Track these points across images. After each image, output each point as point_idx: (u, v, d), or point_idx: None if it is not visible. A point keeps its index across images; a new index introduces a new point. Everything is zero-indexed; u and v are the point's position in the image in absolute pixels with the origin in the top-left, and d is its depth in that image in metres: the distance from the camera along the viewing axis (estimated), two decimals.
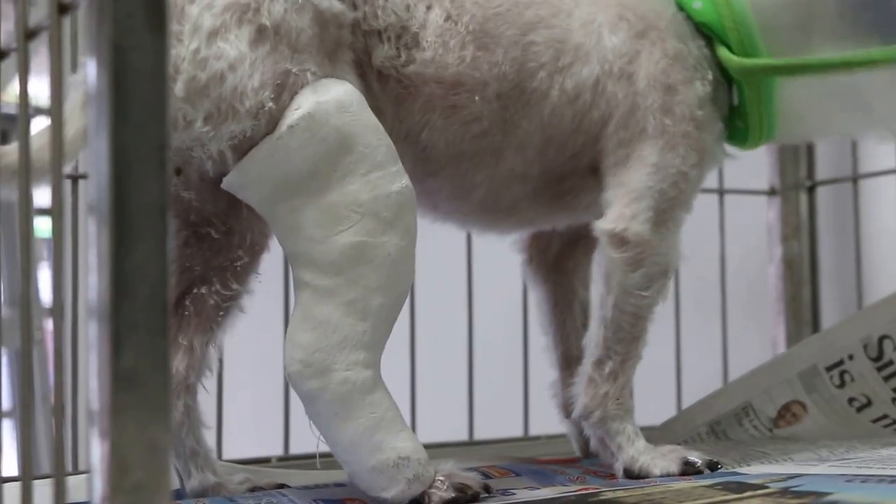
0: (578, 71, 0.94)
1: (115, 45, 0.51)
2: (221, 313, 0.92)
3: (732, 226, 1.46)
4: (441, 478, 0.84)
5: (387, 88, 0.90)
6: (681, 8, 0.99)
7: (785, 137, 1.06)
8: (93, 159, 0.51)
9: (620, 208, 0.95)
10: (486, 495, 0.86)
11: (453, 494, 0.83)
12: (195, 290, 0.91)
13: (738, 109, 1.00)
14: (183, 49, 0.83)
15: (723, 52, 0.97)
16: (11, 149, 0.79)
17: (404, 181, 0.85)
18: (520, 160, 0.96)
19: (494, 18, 0.93)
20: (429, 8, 0.92)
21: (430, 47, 0.91)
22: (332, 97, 0.84)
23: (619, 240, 0.95)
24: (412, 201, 0.85)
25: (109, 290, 0.49)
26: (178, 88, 0.82)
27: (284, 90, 0.84)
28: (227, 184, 0.84)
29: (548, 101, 0.94)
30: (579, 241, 1.11)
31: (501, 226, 1.06)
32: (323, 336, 0.82)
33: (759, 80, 0.97)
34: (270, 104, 0.83)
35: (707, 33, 0.98)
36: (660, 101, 0.95)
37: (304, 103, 0.83)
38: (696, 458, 0.95)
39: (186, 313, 0.91)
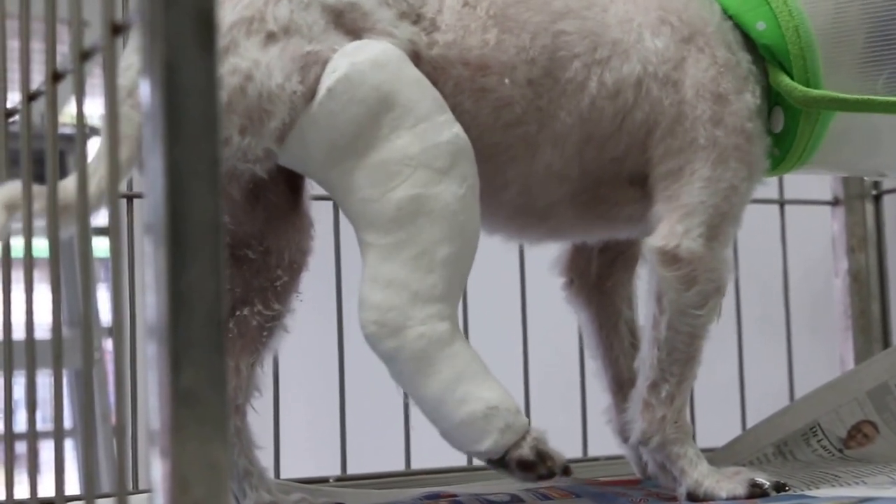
0: (618, 66, 0.92)
1: (167, 64, 0.51)
2: (265, 334, 0.92)
3: (794, 237, 1.42)
4: (534, 436, 0.82)
5: (420, 69, 0.88)
6: (729, 18, 0.96)
7: (816, 167, 1.03)
8: (148, 178, 0.51)
9: (672, 224, 0.92)
10: (563, 477, 0.84)
11: (532, 458, 0.82)
12: (238, 312, 0.91)
13: (778, 136, 0.97)
14: None
15: (784, 80, 0.94)
16: (66, 184, 0.79)
17: (455, 129, 0.85)
18: (558, 156, 0.93)
19: (517, 5, 0.91)
20: None
21: (451, 30, 0.90)
22: (367, 57, 0.84)
23: (671, 257, 0.91)
24: (466, 149, 0.85)
25: (167, 309, 0.50)
26: None
27: (310, 69, 0.84)
28: (282, 161, 0.85)
29: (586, 94, 0.91)
30: (618, 259, 1.08)
31: (533, 231, 1.03)
32: (394, 294, 0.82)
33: (820, 111, 0.95)
34: (300, 87, 0.83)
35: (764, 55, 0.95)
36: (710, 112, 0.92)
37: (339, 66, 0.84)
38: (763, 479, 0.92)
39: (230, 335, 0.91)
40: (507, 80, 0.90)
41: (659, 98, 0.92)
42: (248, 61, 0.83)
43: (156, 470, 0.49)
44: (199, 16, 0.51)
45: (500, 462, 0.82)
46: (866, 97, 0.94)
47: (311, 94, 0.84)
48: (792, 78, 0.94)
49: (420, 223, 0.82)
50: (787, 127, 0.96)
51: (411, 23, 0.89)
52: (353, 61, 0.84)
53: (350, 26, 0.87)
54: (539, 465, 0.82)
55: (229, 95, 0.83)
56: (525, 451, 0.82)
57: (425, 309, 0.82)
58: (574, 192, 0.96)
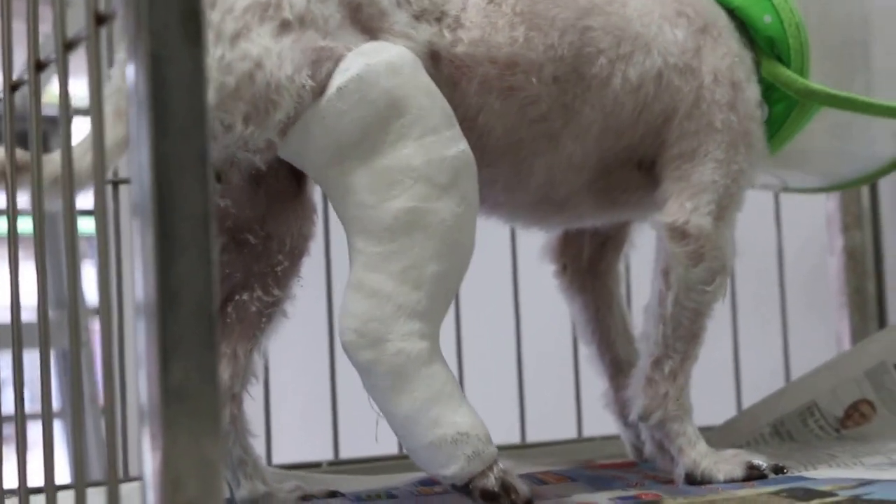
0: (641, 60, 0.92)
1: (152, 56, 0.50)
2: (264, 319, 0.90)
3: (789, 215, 1.42)
4: (501, 467, 0.81)
5: (440, 69, 0.87)
6: (730, 14, 0.98)
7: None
8: (135, 171, 0.51)
9: (682, 201, 0.93)
10: None
11: (496, 490, 0.81)
12: (237, 297, 0.89)
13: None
14: (209, 57, 0.81)
15: (785, 72, 0.97)
16: (54, 157, 0.77)
17: (461, 146, 0.83)
18: (579, 148, 0.93)
19: (544, 1, 0.91)
20: None
21: (477, 27, 0.89)
22: (382, 59, 0.82)
23: (681, 233, 0.92)
24: (470, 167, 0.83)
25: (156, 304, 0.49)
26: (210, 97, 0.80)
27: (322, 64, 0.82)
28: (282, 153, 0.83)
29: (610, 89, 0.92)
30: (608, 242, 1.09)
31: (552, 219, 1.03)
32: (377, 305, 0.80)
33: (812, 105, 0.98)
34: (310, 82, 0.81)
35: (766, 48, 0.98)
36: (727, 97, 0.94)
37: (353, 65, 0.82)
38: (761, 461, 0.92)
39: (229, 321, 0.89)
40: (534, 79, 0.89)
41: (678, 87, 0.94)
42: (259, 48, 0.81)
43: (147, 465, 0.48)
44: (185, 7, 0.50)
45: (464, 489, 0.81)
46: (867, 99, 0.99)
47: (321, 89, 0.81)
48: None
49: (414, 237, 0.81)
50: (778, 118, 0.99)
51: (433, 21, 0.88)
52: (368, 62, 0.81)
53: (366, 24, 0.85)
54: (503, 497, 0.81)
55: (237, 81, 0.80)
56: (490, 481, 0.80)
57: (407, 325, 0.80)
58: (590, 180, 0.96)
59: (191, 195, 0.50)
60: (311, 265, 0.93)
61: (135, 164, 0.50)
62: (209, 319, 0.50)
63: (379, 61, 0.82)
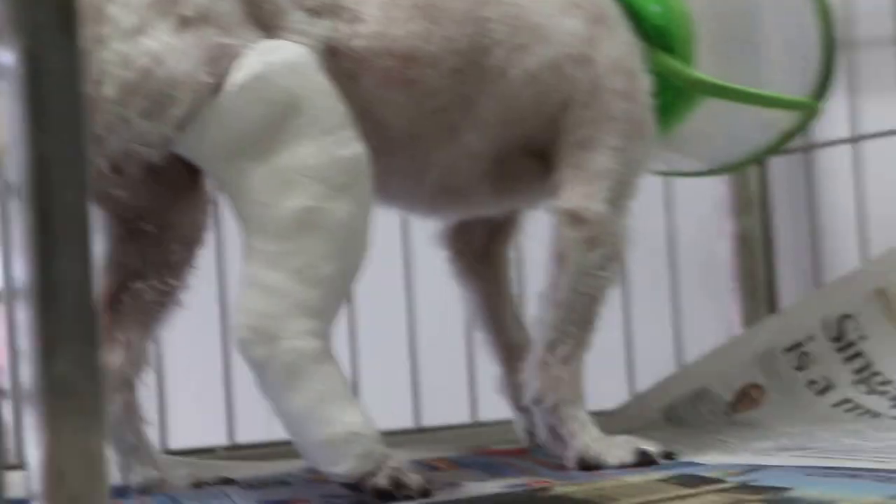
0: (538, 51, 0.93)
1: (27, 51, 0.49)
2: (159, 308, 0.91)
3: (682, 197, 1.43)
4: (392, 465, 0.81)
5: (338, 64, 0.87)
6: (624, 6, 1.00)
7: None
8: (15, 169, 0.50)
9: (577, 187, 0.94)
10: (422, 500, 0.83)
11: (388, 487, 0.81)
12: (131, 285, 0.90)
13: None
14: (107, 52, 0.80)
15: (672, 62, 0.99)
16: None
17: (357, 147, 0.83)
18: (476, 139, 0.94)
19: None
20: None
21: (375, 21, 0.89)
22: (281, 58, 0.82)
23: (577, 218, 0.94)
24: (366, 168, 0.83)
25: (36, 299, 0.49)
26: (109, 91, 0.80)
27: (221, 61, 0.82)
28: (179, 149, 0.83)
29: (507, 80, 0.93)
30: (499, 228, 1.10)
31: (450, 210, 1.04)
32: (272, 303, 0.80)
33: (698, 95, 1.00)
34: (208, 79, 0.81)
35: (653, 37, 0.99)
36: (623, 86, 0.95)
37: (252, 63, 0.81)
38: (651, 447, 0.93)
39: (123, 308, 0.90)
40: (433, 72, 0.90)
41: (575, 76, 0.95)
42: (158, 43, 0.80)
43: (31, 458, 0.49)
44: (60, 1, 0.49)
45: (355, 487, 0.82)
46: (753, 89, 1.01)
47: (219, 86, 0.81)
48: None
49: (311, 236, 0.80)
50: (666, 108, 1.01)
51: (329, 16, 0.87)
52: (268, 61, 0.81)
53: (265, 21, 0.85)
54: (395, 493, 0.81)
55: (136, 76, 0.80)
56: (381, 479, 0.81)
57: (302, 323, 0.80)
58: (489, 170, 0.97)
59: (69, 192, 0.50)
60: (204, 253, 0.93)
61: (15, 164, 0.50)
62: (90, 317, 0.50)
63: (278, 60, 0.82)
